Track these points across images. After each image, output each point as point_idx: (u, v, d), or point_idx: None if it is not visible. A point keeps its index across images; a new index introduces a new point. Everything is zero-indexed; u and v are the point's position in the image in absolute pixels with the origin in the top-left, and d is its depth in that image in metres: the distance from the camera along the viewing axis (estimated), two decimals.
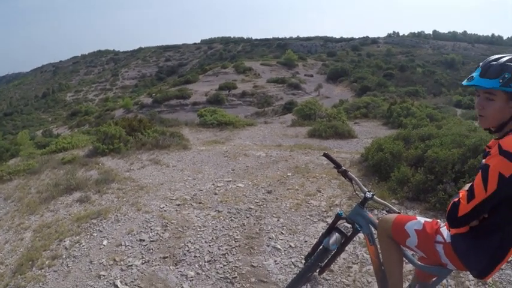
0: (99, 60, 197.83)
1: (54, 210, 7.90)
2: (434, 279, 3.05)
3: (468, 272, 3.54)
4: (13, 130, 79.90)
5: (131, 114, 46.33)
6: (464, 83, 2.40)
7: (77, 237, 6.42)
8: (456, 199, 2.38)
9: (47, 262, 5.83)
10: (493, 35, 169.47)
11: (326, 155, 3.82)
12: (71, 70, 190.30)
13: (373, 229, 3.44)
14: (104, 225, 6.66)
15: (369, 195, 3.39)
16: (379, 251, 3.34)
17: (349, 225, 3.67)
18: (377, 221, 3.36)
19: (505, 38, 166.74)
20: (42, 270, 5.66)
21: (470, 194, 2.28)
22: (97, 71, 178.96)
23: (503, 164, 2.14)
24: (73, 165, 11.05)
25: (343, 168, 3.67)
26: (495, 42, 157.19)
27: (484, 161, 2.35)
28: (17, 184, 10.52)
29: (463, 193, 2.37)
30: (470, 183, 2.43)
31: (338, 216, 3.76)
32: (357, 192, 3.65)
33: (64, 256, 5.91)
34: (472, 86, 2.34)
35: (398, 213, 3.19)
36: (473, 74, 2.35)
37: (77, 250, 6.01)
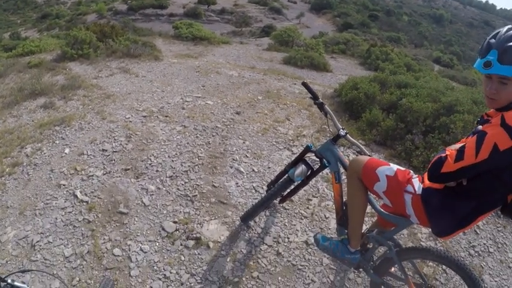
0: None
1: (17, 115, 7.70)
2: (393, 228, 3.04)
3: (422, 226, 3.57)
4: None
5: (104, 20, 45.07)
6: (479, 68, 2.20)
7: (39, 144, 6.31)
8: (443, 154, 2.31)
9: (7, 170, 5.73)
10: (487, 1, 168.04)
11: (304, 84, 3.64)
12: None
13: (340, 167, 3.40)
14: (67, 133, 6.53)
15: (342, 132, 3.30)
16: (343, 191, 3.33)
17: (316, 159, 3.62)
18: (346, 160, 3.32)
19: (498, 7, 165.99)
20: (2, 178, 5.58)
21: (460, 154, 2.21)
22: None
23: (501, 137, 2.06)
24: (39, 70, 10.68)
25: (321, 100, 3.53)
26: (487, 9, 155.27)
27: (480, 127, 2.27)
28: None
29: (450, 151, 2.31)
30: (460, 144, 2.37)
31: (307, 149, 3.69)
32: (330, 128, 3.57)
33: (25, 164, 5.83)
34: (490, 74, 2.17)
35: (370, 156, 3.11)
36: (490, 58, 2.13)
37: (38, 158, 5.93)
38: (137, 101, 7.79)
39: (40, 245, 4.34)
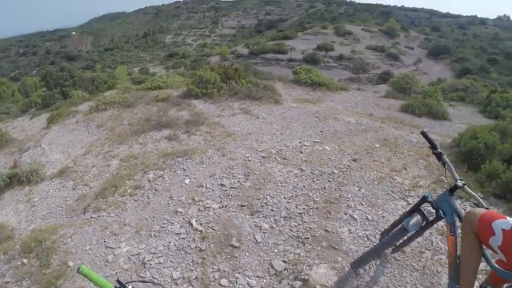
0: (200, 7, 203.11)
1: (142, 143, 8.20)
2: (507, 285, 2.84)
3: None
4: (112, 64, 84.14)
5: (227, 62, 46.90)
6: None
7: (161, 172, 6.68)
8: None
9: (129, 190, 6.16)
10: None
11: (424, 134, 3.55)
12: (172, 14, 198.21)
13: (456, 220, 3.24)
14: (188, 165, 6.84)
15: (460, 183, 3.14)
16: (458, 244, 3.14)
17: (432, 210, 3.47)
18: (463, 212, 3.13)
19: None
20: (124, 198, 6.00)
21: None
22: (197, 17, 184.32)
23: None
24: (166, 104, 11.39)
25: (439, 150, 3.41)
26: None
27: None
28: (111, 114, 11.06)
29: None
30: None
31: (424, 199, 3.54)
32: (447, 179, 3.42)
33: (146, 188, 6.20)
34: None
35: (487, 208, 2.93)
36: None
37: (159, 184, 6.26)
38: (257, 142, 7.97)
39: (151, 264, 4.55)
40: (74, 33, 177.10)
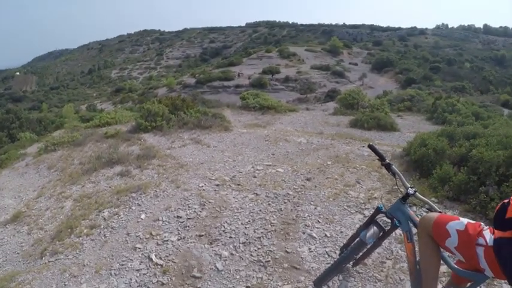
0: (144, 39, 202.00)
1: (95, 181, 8.11)
2: (469, 284, 2.93)
3: (503, 281, 3.39)
4: (59, 103, 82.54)
5: (174, 93, 46.82)
6: None
7: (116, 209, 6.61)
8: (506, 200, 2.27)
9: (85, 231, 6.05)
10: None
11: (371, 147, 3.67)
12: (116, 48, 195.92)
13: (412, 227, 3.34)
14: (142, 200, 6.79)
15: (411, 191, 3.24)
16: (416, 250, 3.25)
17: (388, 220, 3.56)
18: (417, 219, 3.24)
19: None
20: (80, 238, 5.89)
21: None
22: (142, 50, 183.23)
23: None
24: (116, 140, 11.30)
25: (387, 161, 3.53)
26: None
27: None
28: (61, 155, 10.88)
29: None
30: None
31: (378, 210, 3.66)
32: (399, 188, 3.54)
33: (102, 226, 6.12)
34: None
35: (440, 212, 3.05)
36: None
37: (115, 222, 6.19)
38: (210, 170, 8.01)
39: None
40: (17, 73, 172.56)
